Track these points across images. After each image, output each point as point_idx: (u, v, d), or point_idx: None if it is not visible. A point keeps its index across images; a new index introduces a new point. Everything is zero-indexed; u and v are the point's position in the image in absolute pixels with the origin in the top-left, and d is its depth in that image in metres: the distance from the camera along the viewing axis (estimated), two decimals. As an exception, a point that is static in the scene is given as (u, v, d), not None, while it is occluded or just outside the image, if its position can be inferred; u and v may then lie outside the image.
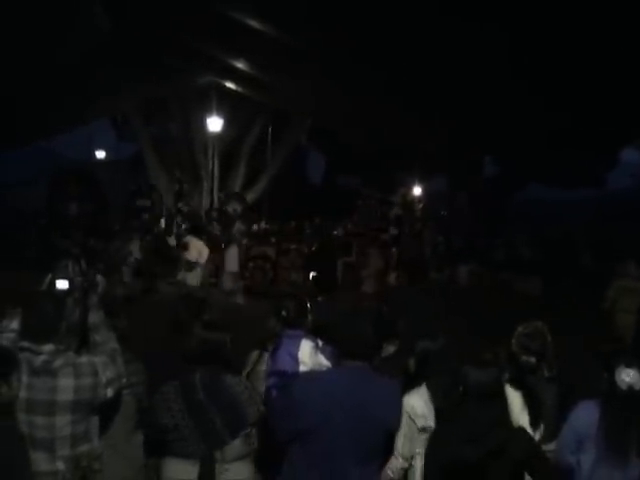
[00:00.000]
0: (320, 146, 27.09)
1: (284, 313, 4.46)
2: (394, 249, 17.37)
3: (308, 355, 4.25)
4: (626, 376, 3.50)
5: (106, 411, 3.41)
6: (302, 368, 4.19)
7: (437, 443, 3.35)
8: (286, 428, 3.27)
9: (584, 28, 12.52)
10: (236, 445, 3.57)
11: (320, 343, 4.31)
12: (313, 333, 4.42)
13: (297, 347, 4.28)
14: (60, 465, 3.13)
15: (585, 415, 3.63)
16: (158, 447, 3.69)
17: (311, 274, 14.08)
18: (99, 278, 3.47)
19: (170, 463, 3.60)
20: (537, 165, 21.74)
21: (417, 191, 24.15)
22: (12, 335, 3.26)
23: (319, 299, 7.03)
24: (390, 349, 4.46)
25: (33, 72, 13.73)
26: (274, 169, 21.85)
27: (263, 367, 4.46)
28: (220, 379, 3.65)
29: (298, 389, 3.31)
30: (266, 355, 4.56)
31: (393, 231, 19.60)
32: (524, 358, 4.21)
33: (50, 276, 3.40)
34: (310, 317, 4.55)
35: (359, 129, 18.85)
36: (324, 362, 4.20)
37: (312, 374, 3.88)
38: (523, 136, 17.12)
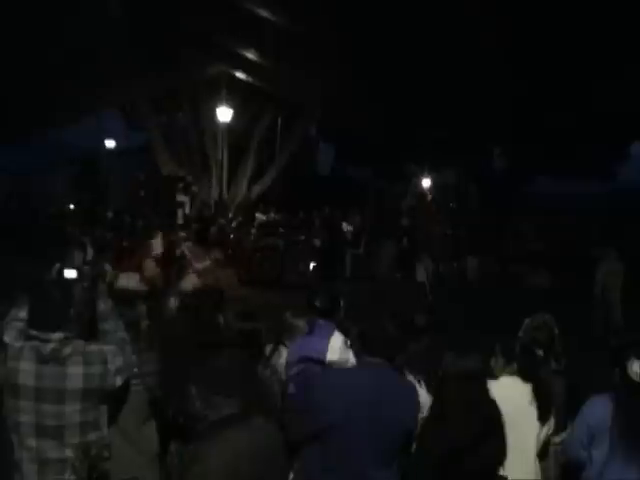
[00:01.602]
0: (329, 137, 27.02)
1: (318, 304, 4.42)
2: (405, 240, 17.17)
3: (338, 346, 4.19)
4: (638, 368, 3.46)
5: (116, 400, 3.41)
6: (330, 357, 4.13)
7: (424, 427, 3.30)
8: (304, 427, 3.20)
9: (596, 21, 12.43)
10: None
11: (348, 341, 4.26)
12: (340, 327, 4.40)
13: (328, 336, 4.22)
14: (69, 453, 3.12)
15: (598, 409, 3.59)
16: (184, 434, 3.66)
17: (311, 264, 14.06)
18: (107, 267, 3.47)
19: None
20: (547, 158, 21.62)
21: (426, 183, 24.08)
22: (21, 324, 3.27)
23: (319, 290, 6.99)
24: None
25: (45, 63, 13.77)
26: (283, 160, 21.81)
27: (279, 360, 4.44)
28: (255, 370, 3.65)
29: (318, 387, 3.23)
30: (282, 348, 4.56)
31: (405, 222, 19.36)
32: (533, 350, 4.18)
33: (58, 265, 3.41)
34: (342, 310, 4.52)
35: (369, 119, 18.78)
36: (352, 359, 4.08)
37: (333, 372, 3.81)
38: (533, 128, 17.03)
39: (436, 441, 3.16)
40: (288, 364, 4.16)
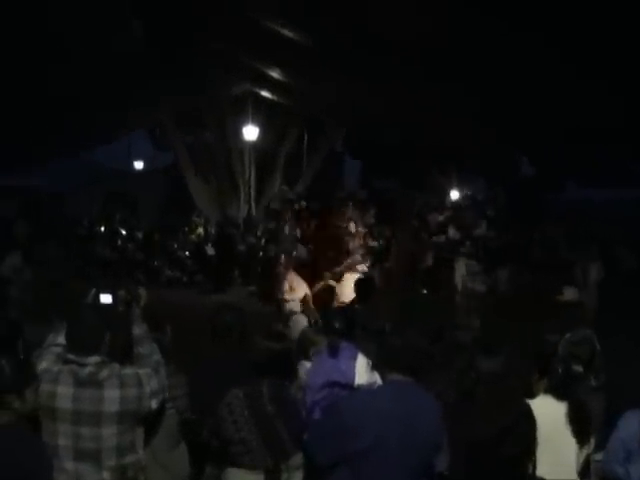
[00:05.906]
0: (355, 151, 27.03)
1: (337, 325, 4.39)
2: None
3: (364, 369, 4.14)
4: None
5: (150, 423, 3.43)
6: (358, 380, 4.09)
7: (458, 423, 3.31)
8: (334, 451, 3.12)
9: (623, 27, 12.29)
10: (299, 454, 3.53)
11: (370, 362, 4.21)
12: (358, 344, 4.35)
13: (353, 359, 4.18)
14: (106, 475, 3.15)
15: (632, 425, 3.53)
16: (219, 457, 3.68)
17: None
18: (141, 290, 3.50)
19: (233, 474, 3.56)
20: (574, 165, 21.36)
21: (454, 195, 23.88)
22: (58, 349, 3.30)
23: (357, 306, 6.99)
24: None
25: (77, 87, 14.06)
26: (309, 177, 21.88)
27: (302, 377, 4.41)
28: (286, 390, 3.65)
29: (349, 409, 3.17)
30: (304, 364, 4.52)
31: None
32: (572, 367, 4.08)
33: (94, 289, 3.46)
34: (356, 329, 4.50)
35: (395, 134, 18.76)
36: (378, 380, 4.02)
37: (362, 393, 3.75)
38: (559, 136, 16.86)
39: (463, 433, 3.19)
40: (310, 387, 4.09)
